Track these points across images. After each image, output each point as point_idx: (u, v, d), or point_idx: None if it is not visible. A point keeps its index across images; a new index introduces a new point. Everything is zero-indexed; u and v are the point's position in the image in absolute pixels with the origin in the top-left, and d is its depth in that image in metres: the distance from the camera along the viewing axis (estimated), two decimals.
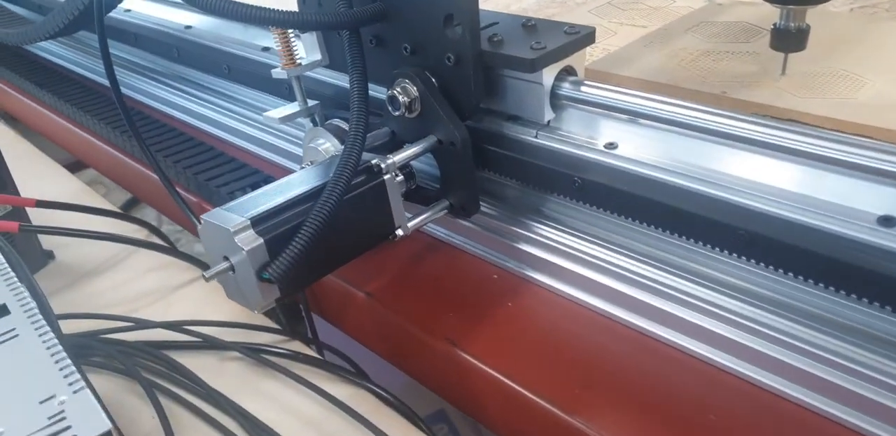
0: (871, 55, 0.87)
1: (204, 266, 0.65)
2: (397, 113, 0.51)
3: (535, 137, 0.50)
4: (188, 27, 0.84)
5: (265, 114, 0.58)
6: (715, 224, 0.43)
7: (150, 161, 0.57)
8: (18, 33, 0.80)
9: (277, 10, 0.47)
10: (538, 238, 0.52)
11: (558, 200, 0.52)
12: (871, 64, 0.84)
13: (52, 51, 1.10)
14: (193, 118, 0.82)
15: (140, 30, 0.89)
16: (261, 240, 0.42)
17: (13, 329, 0.36)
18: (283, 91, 0.69)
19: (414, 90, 0.50)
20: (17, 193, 0.64)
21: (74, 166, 0.91)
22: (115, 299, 0.63)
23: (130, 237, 0.67)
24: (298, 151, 0.70)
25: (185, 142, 0.77)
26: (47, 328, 0.36)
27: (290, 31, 0.55)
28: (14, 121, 1.11)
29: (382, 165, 0.48)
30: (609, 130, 0.48)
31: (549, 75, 0.49)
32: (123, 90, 0.94)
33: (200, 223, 0.44)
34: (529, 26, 0.52)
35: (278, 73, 0.57)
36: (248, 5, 0.46)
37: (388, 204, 0.49)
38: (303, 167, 0.56)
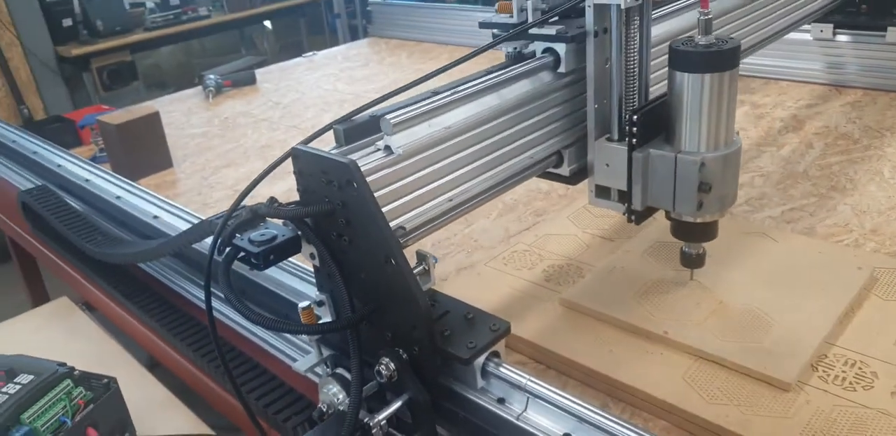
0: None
1: None
2: (382, 380, 0.77)
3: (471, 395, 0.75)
4: None
5: (294, 366, 0.85)
6: None
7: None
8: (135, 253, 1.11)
9: (298, 323, 0.74)
10: None
11: None
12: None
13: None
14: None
15: None
16: None
17: None
18: None
19: (393, 367, 0.76)
20: None
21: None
22: None
23: None
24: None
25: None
26: None
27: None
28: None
29: (371, 423, 0.73)
30: (520, 399, 0.73)
31: (479, 360, 0.74)
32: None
33: None
34: (469, 319, 0.78)
35: (302, 364, 0.84)
36: (283, 321, 0.74)
37: None
38: (318, 407, 0.82)
